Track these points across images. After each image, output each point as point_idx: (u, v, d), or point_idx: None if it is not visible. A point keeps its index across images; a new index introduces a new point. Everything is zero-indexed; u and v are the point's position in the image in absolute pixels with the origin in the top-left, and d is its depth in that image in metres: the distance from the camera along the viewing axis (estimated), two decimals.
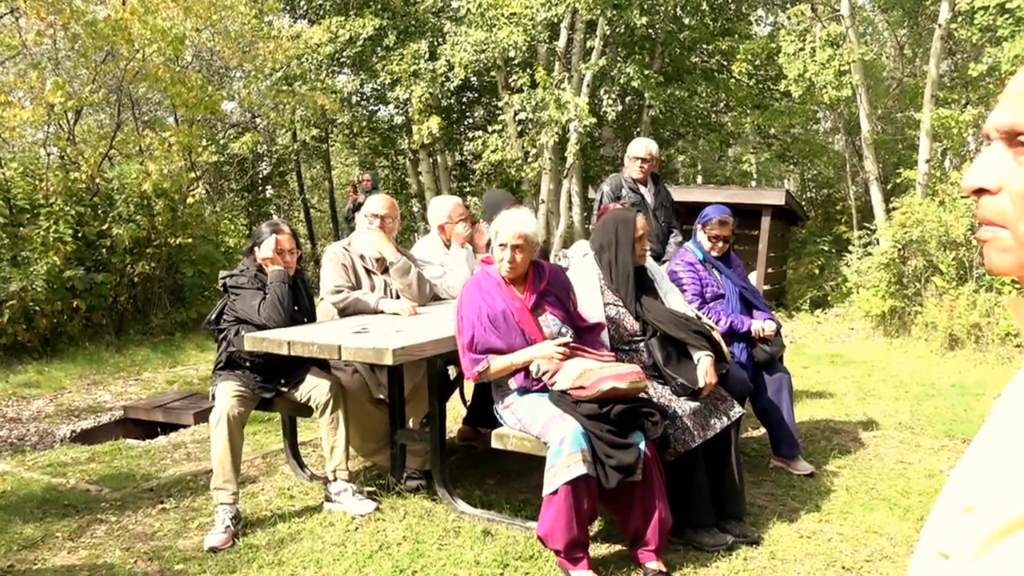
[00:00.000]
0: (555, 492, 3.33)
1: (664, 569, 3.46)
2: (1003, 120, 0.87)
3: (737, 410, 3.99)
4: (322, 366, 4.52)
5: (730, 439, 3.96)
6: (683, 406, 3.81)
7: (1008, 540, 0.75)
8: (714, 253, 4.90)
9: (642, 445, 3.45)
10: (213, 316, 4.56)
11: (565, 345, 3.67)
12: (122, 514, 4.33)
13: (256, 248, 4.50)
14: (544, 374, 3.63)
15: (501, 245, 3.75)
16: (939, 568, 0.85)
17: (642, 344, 4.03)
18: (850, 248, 11.07)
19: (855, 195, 14.38)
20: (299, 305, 4.51)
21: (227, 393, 4.17)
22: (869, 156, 12.24)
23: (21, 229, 8.74)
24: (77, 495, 4.63)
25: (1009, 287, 8.28)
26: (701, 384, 3.88)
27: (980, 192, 0.89)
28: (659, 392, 3.89)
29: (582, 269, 4.19)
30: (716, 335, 4.14)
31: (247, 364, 4.35)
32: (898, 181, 12.26)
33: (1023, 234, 0.85)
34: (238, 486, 4.16)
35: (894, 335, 9.31)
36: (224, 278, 4.51)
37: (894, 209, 10.10)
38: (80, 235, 9.19)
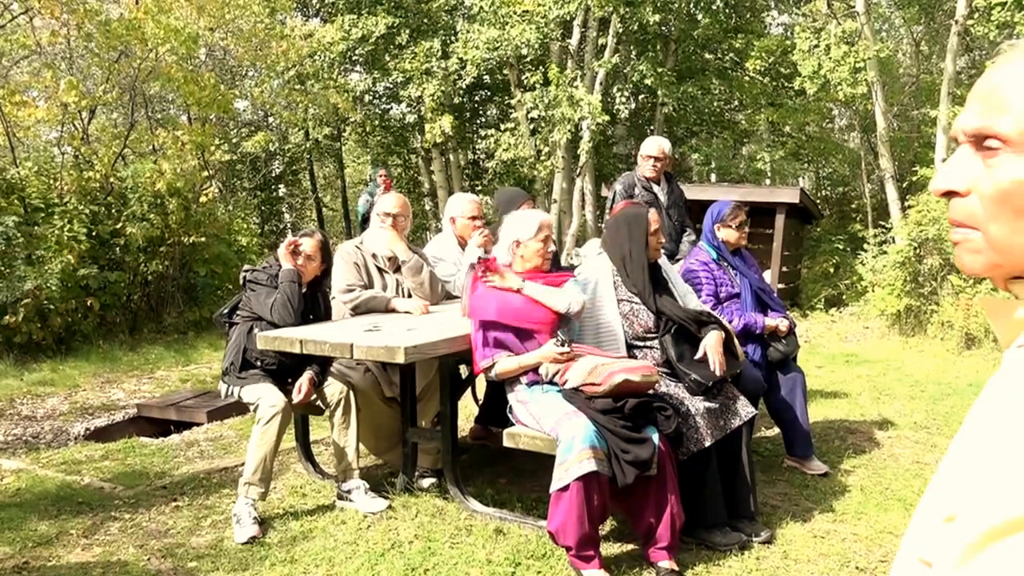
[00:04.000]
0: (566, 488, 3.33)
1: (676, 568, 3.45)
2: (970, 123, 0.88)
3: (750, 410, 3.97)
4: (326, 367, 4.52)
5: (742, 439, 3.94)
6: (697, 405, 3.79)
7: (989, 550, 0.74)
8: (743, 242, 4.88)
9: (656, 439, 3.45)
10: (226, 310, 4.59)
11: (564, 342, 3.67)
12: (136, 512, 4.34)
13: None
14: (556, 375, 3.64)
15: (544, 239, 3.89)
16: (921, 575, 0.85)
17: (656, 341, 4.02)
18: (865, 246, 10.99)
19: (870, 193, 14.30)
20: (314, 315, 4.50)
21: (275, 393, 4.20)
22: (885, 154, 12.17)
23: (36, 228, 8.77)
24: (91, 493, 4.65)
25: None
26: (702, 354, 3.87)
27: (950, 194, 0.90)
28: (673, 390, 3.87)
29: (595, 266, 4.19)
30: (731, 332, 4.13)
31: (273, 365, 4.36)
32: (914, 179, 12.17)
33: (993, 236, 0.86)
34: (269, 486, 4.19)
35: (910, 334, 9.25)
36: (245, 272, 4.54)
37: (910, 207, 10.04)
38: (94, 234, 9.22)
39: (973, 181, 0.87)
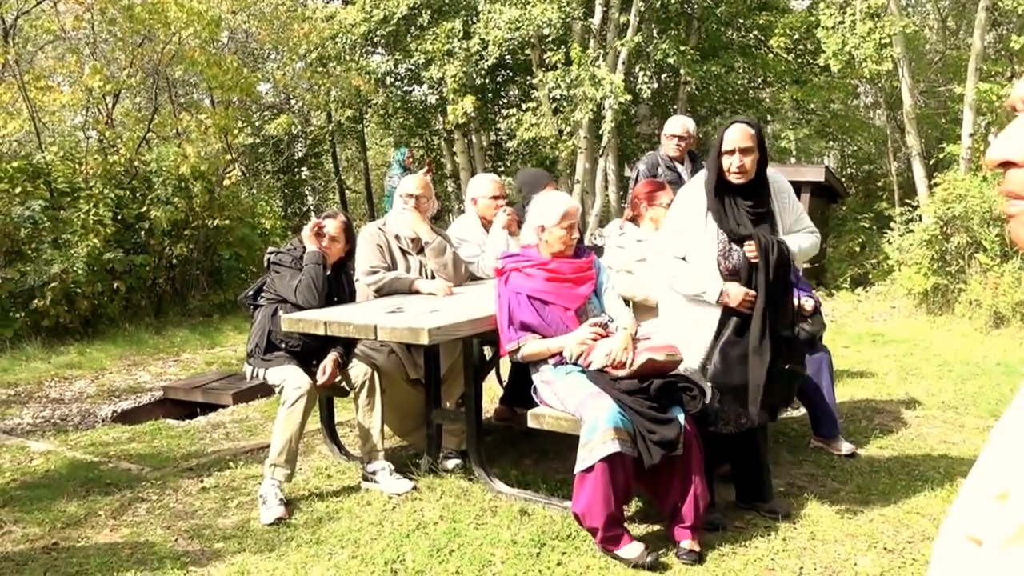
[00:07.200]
0: (590, 469, 3.33)
1: (697, 548, 3.42)
2: None
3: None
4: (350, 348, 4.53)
5: (764, 428, 3.89)
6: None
7: None
8: None
9: (682, 419, 3.43)
10: (251, 292, 4.60)
11: (601, 325, 3.66)
12: (163, 493, 4.38)
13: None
14: (579, 358, 3.63)
15: (568, 227, 3.85)
16: (969, 552, 0.83)
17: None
18: (891, 225, 10.87)
19: (897, 171, 14.12)
20: (338, 297, 4.50)
21: (300, 376, 4.22)
22: (911, 131, 12.01)
23: (62, 212, 8.86)
24: (119, 474, 4.69)
25: None
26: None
27: (1006, 165, 0.86)
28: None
29: (691, 202, 3.84)
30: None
31: (298, 347, 4.38)
32: (941, 156, 12.01)
33: None
34: (294, 467, 4.20)
35: (937, 313, 9.16)
36: (270, 254, 4.54)
37: (936, 185, 9.92)
38: (119, 218, 9.29)
39: None
